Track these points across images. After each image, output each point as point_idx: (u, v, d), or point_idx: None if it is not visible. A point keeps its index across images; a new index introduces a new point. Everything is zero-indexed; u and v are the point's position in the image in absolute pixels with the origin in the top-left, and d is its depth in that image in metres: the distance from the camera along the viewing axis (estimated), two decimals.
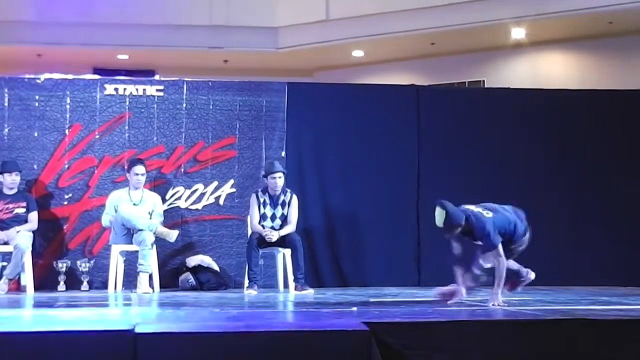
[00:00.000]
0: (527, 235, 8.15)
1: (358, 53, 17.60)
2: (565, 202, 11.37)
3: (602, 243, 11.22)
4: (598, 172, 11.49)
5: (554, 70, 16.78)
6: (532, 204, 11.15)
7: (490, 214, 7.98)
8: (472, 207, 8.05)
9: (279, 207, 10.26)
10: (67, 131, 10.78)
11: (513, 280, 8.38)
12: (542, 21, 15.72)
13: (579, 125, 11.61)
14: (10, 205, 10.10)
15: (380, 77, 16.84)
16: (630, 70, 15.93)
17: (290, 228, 10.20)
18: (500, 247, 7.87)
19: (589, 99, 11.86)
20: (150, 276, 9.99)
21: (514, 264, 8.33)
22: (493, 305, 7.71)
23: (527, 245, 8.17)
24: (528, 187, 11.21)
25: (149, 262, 9.95)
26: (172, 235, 10.21)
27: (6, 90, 10.74)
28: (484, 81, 17.01)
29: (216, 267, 10.61)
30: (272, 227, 10.18)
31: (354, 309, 7.59)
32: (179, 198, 10.88)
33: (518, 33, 16.22)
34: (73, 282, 10.36)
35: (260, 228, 10.15)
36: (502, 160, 11.42)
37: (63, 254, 10.52)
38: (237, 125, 11.11)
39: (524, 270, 8.43)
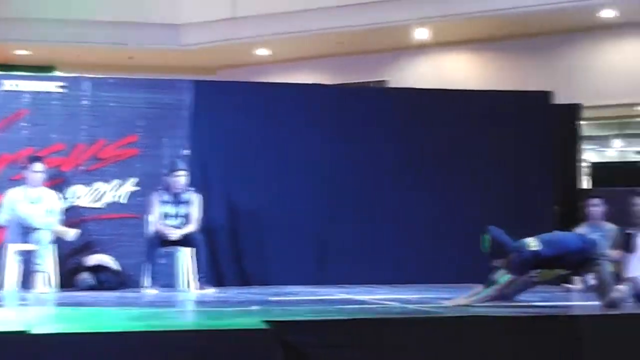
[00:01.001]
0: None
1: (263, 51, 17.60)
2: (463, 202, 11.48)
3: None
4: (495, 172, 11.63)
5: (456, 71, 17.01)
6: (439, 202, 11.37)
7: (536, 247, 7.83)
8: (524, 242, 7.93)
9: (181, 206, 10.19)
10: None
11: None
12: (446, 23, 15.92)
13: (480, 126, 11.73)
14: None
15: (286, 76, 16.87)
16: (529, 72, 16.22)
17: (192, 227, 10.14)
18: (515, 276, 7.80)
19: (491, 99, 12.01)
20: (48, 276, 9.83)
21: None
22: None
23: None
24: (434, 184, 11.34)
25: (47, 262, 9.79)
26: (71, 234, 10.06)
27: None
28: (388, 81, 17.14)
29: (116, 267, 10.47)
30: (174, 226, 10.11)
31: (256, 307, 7.58)
32: (79, 196, 10.71)
33: (422, 34, 16.39)
34: None
35: (162, 227, 10.06)
36: (406, 160, 11.50)
37: None
38: (140, 123, 10.98)
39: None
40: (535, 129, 11.79)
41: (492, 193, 11.43)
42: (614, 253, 9.95)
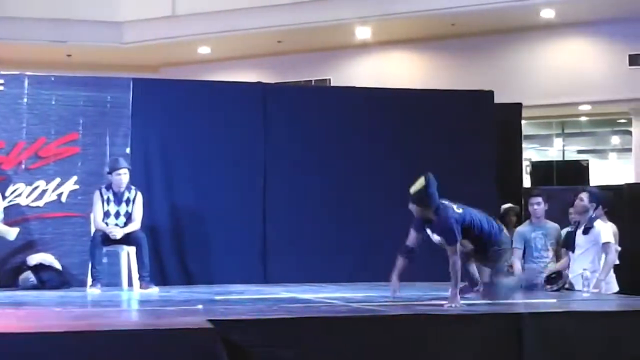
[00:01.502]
0: (504, 239, 8.16)
1: (204, 50, 17.56)
2: (405, 199, 11.53)
3: None
4: (438, 171, 11.63)
5: (398, 70, 17.11)
6: (379, 202, 11.39)
7: (460, 210, 7.91)
8: (446, 202, 7.96)
9: (124, 204, 10.12)
10: None
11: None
12: (387, 22, 16.01)
13: (422, 124, 11.80)
14: None
15: (227, 74, 16.83)
16: (472, 71, 16.36)
17: (134, 225, 10.08)
18: (458, 246, 7.76)
19: (433, 98, 12.11)
20: None
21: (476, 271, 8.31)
22: (450, 306, 7.45)
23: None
24: (372, 184, 11.37)
25: None
26: (12, 233, 9.96)
27: None
28: (330, 80, 17.19)
29: (58, 266, 10.38)
30: (117, 225, 10.04)
31: (200, 307, 7.57)
32: (20, 195, 10.58)
33: (364, 33, 16.46)
34: None
35: (104, 225, 9.99)
36: (345, 159, 11.54)
37: None
38: (81, 121, 10.90)
39: (479, 284, 8.36)
40: (479, 128, 11.89)
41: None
42: (556, 251, 10.11)
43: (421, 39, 16.88)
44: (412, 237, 8.11)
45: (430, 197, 7.86)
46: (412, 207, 7.95)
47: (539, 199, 10.26)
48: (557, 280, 9.53)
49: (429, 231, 8.00)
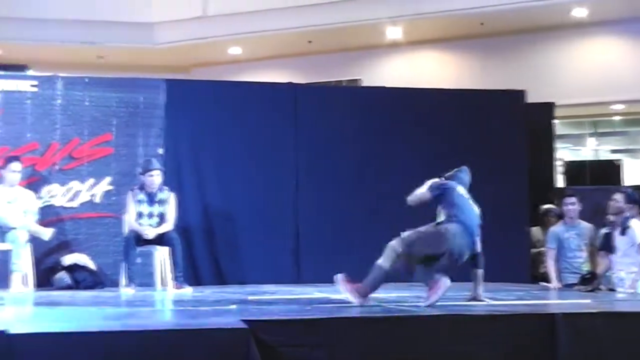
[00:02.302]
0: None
1: (235, 50, 17.59)
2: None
3: None
4: (474, 170, 11.66)
5: (429, 69, 17.06)
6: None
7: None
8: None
9: (156, 205, 10.16)
10: None
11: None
12: (418, 21, 15.97)
13: (453, 124, 11.78)
14: None
15: (258, 75, 16.86)
16: (503, 71, 16.29)
17: (167, 226, 10.12)
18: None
19: (463, 98, 12.07)
20: (25, 275, 9.78)
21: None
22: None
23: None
24: (404, 184, 11.35)
25: (23, 261, 9.74)
26: (47, 233, 10.04)
27: None
28: (360, 80, 17.17)
29: (92, 266, 10.44)
30: (150, 225, 10.08)
31: (233, 307, 7.58)
32: (54, 196, 10.67)
33: (394, 32, 16.44)
34: None
35: (137, 226, 10.04)
36: (378, 159, 11.54)
37: None
38: (114, 122, 10.96)
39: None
40: (510, 127, 11.85)
41: (468, 191, 11.45)
42: (590, 252, 10.08)
43: (451, 39, 16.83)
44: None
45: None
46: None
47: (573, 199, 10.23)
48: (591, 281, 9.50)
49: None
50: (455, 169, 8.37)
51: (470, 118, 11.86)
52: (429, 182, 8.13)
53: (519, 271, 11.25)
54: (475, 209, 8.08)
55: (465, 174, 8.23)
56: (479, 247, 7.97)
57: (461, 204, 8.00)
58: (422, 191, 8.06)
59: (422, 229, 7.89)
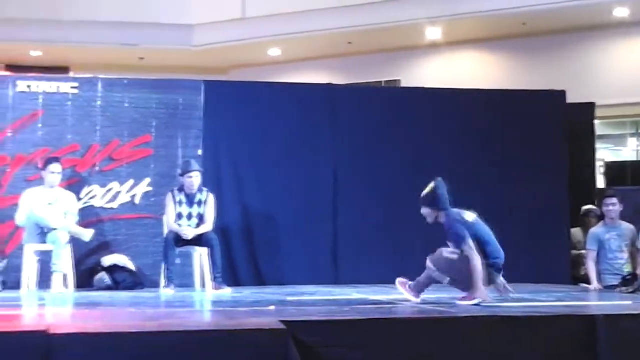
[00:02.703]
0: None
1: (274, 51, 17.62)
2: (477, 201, 11.45)
3: (513, 241, 11.31)
4: (510, 171, 11.63)
5: (469, 70, 17.00)
6: (450, 203, 11.29)
7: (471, 219, 7.97)
8: (461, 211, 8.03)
9: (195, 206, 10.20)
10: None
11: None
12: (457, 21, 15.92)
13: (493, 125, 11.74)
14: None
15: (297, 76, 16.88)
16: (543, 71, 16.19)
17: (206, 227, 10.15)
18: (470, 241, 7.76)
19: (503, 99, 12.01)
20: (65, 276, 9.85)
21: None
22: (474, 302, 7.58)
23: None
24: (449, 183, 11.31)
25: (64, 262, 9.80)
26: (87, 234, 10.10)
27: None
28: (400, 81, 17.14)
29: (132, 267, 10.50)
30: (189, 226, 10.12)
31: (272, 307, 7.59)
32: (94, 197, 10.75)
33: (433, 33, 16.39)
34: None
35: (177, 227, 10.07)
36: (417, 160, 11.50)
37: None
38: (153, 124, 11.02)
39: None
40: (550, 128, 11.79)
41: (507, 192, 11.41)
42: (632, 253, 10.01)
43: (491, 39, 16.75)
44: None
45: (439, 198, 8.03)
46: (423, 211, 8.15)
47: (614, 200, 10.14)
48: (632, 283, 9.42)
49: None
50: (432, 188, 8.13)
51: (510, 119, 11.81)
52: (453, 238, 7.89)
53: (560, 272, 11.18)
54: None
55: (444, 188, 8.09)
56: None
57: (485, 235, 7.92)
58: (452, 250, 7.91)
59: (450, 257, 7.91)
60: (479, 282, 7.66)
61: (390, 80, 17.19)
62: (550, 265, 11.27)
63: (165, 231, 10.23)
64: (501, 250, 8.01)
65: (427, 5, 15.85)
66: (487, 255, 7.91)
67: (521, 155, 11.66)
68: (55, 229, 9.87)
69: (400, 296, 8.18)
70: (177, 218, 10.16)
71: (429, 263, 8.03)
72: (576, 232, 11.58)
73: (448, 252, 7.97)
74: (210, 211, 10.23)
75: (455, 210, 8.05)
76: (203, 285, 10.14)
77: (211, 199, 10.27)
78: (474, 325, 6.49)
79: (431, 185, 8.07)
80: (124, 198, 10.80)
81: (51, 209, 10.04)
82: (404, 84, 16.87)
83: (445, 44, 16.75)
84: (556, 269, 11.21)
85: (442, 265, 7.94)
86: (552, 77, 15.10)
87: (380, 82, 17.21)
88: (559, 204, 11.56)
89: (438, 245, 8.09)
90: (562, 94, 12.02)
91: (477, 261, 7.70)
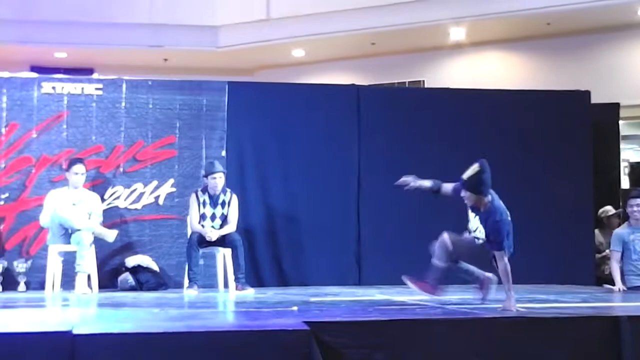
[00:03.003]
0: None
1: (298, 52, 17.60)
2: (502, 201, 11.43)
3: (538, 241, 11.29)
4: (534, 172, 11.59)
5: (493, 70, 16.92)
6: None
7: (508, 217, 7.68)
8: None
9: (219, 207, 10.22)
10: (3, 130, 10.65)
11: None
12: (482, 22, 15.85)
13: (517, 125, 11.70)
14: None
15: (321, 77, 16.86)
16: (568, 71, 16.11)
17: (230, 228, 10.17)
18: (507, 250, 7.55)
19: (527, 99, 11.98)
20: (89, 277, 9.89)
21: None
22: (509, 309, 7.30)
23: None
24: None
25: (88, 263, 9.85)
26: (111, 235, 10.14)
27: None
28: (424, 81, 17.10)
29: (156, 267, 10.54)
30: (212, 227, 10.13)
31: (295, 308, 7.59)
32: (118, 198, 10.80)
33: (457, 33, 16.33)
34: (10, 283, 10.21)
35: (200, 228, 10.10)
36: (441, 160, 11.46)
37: None
38: (177, 125, 11.06)
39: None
40: (575, 128, 11.76)
41: (532, 192, 11.38)
42: None
43: (516, 39, 16.67)
44: (447, 189, 8.09)
45: (484, 183, 7.60)
46: (464, 194, 7.68)
47: (639, 201, 10.07)
48: None
49: (477, 220, 7.82)
50: (475, 170, 7.63)
51: (534, 119, 11.78)
52: (494, 237, 7.62)
53: (584, 273, 11.14)
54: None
55: (488, 172, 7.66)
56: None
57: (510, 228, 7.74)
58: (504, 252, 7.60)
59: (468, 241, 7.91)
60: (512, 290, 7.40)
61: (414, 81, 17.14)
62: (575, 265, 11.24)
63: (189, 232, 10.25)
64: (512, 246, 7.81)
65: (451, 5, 15.79)
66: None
67: (546, 155, 11.62)
68: (79, 230, 9.92)
69: (422, 297, 8.16)
70: (200, 219, 10.18)
71: (445, 239, 7.98)
72: (596, 233, 11.54)
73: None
74: (233, 212, 10.25)
75: (498, 202, 7.71)
76: (226, 285, 10.17)
77: (234, 200, 10.28)
78: (499, 326, 6.47)
79: (475, 167, 7.58)
80: (148, 199, 10.85)
81: (75, 209, 10.09)
82: (428, 85, 16.82)
83: (469, 44, 16.68)
84: (581, 270, 11.16)
85: (462, 249, 7.90)
86: (576, 78, 15.01)
87: (404, 82, 17.16)
88: (584, 204, 11.52)
89: None
90: (586, 94, 11.98)
91: (508, 267, 7.45)
